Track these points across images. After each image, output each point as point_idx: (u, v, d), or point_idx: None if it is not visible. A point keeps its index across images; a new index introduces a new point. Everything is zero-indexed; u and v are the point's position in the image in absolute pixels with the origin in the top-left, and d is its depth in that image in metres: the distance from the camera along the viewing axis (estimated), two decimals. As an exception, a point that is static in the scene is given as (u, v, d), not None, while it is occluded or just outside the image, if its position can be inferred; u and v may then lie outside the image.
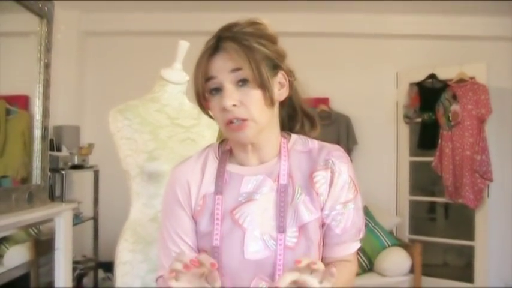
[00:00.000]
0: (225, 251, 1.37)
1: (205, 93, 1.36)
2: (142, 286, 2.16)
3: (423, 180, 5.47)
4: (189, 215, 1.45)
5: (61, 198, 4.22)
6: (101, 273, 4.89)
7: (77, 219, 4.38)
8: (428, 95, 4.95)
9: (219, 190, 1.41)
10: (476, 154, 4.61)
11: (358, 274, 1.45)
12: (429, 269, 4.81)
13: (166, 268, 1.45)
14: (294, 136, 1.49)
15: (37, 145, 3.44)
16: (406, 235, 5.16)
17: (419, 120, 5.06)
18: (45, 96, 3.47)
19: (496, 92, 4.73)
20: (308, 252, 1.37)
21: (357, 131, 5.26)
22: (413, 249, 4.34)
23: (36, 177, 3.43)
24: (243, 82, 1.32)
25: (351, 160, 5.14)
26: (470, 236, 4.86)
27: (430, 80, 5.03)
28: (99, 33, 5.39)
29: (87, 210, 4.81)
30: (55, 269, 3.45)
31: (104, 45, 5.45)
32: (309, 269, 1.17)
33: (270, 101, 1.35)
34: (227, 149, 1.48)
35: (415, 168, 5.31)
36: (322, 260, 1.44)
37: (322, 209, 1.40)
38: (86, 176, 4.90)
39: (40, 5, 3.36)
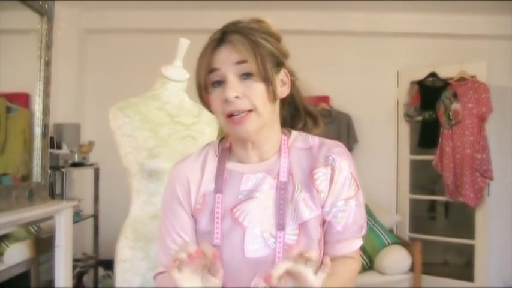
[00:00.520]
0: (225, 250, 1.37)
1: (207, 85, 1.35)
2: (142, 283, 2.16)
3: (423, 178, 5.47)
4: (189, 213, 1.44)
5: (61, 196, 4.21)
6: (101, 271, 4.89)
7: (77, 217, 4.38)
8: (429, 94, 4.95)
9: (219, 189, 1.40)
10: (476, 153, 4.61)
11: (358, 272, 1.44)
12: (429, 267, 4.81)
13: (164, 265, 1.45)
14: (294, 133, 1.48)
15: (37, 143, 3.44)
16: (406, 233, 5.16)
17: (419, 118, 5.05)
18: (46, 94, 3.47)
19: (496, 90, 4.73)
20: (308, 249, 1.35)
21: (358, 130, 5.26)
22: (413, 248, 4.34)
23: (37, 174, 3.43)
24: (246, 75, 1.31)
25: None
26: (470, 234, 4.86)
27: (431, 79, 5.02)
28: (100, 31, 5.39)
29: (88, 208, 4.81)
30: (55, 267, 3.45)
31: (105, 43, 5.45)
32: (303, 259, 1.17)
33: (272, 95, 1.34)
34: (227, 146, 1.47)
35: (415, 166, 5.31)
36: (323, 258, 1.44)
37: (322, 206, 1.40)
38: (86, 173, 4.89)
39: (40, 3, 3.35)
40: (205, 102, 1.41)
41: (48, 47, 3.47)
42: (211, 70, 1.33)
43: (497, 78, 4.84)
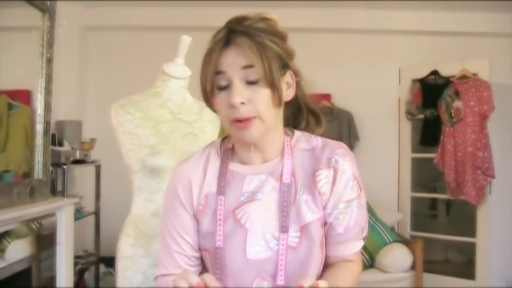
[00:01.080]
0: (227, 251, 1.37)
1: (213, 87, 1.33)
2: (143, 281, 2.16)
3: (425, 176, 5.47)
4: (191, 214, 1.44)
5: (63, 193, 4.22)
6: (102, 268, 4.89)
7: (79, 214, 4.38)
8: (431, 92, 4.94)
9: (221, 191, 1.40)
10: (478, 151, 4.60)
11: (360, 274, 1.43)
12: (430, 265, 4.81)
13: (166, 267, 1.45)
14: (297, 133, 1.47)
15: (39, 140, 3.45)
16: (407, 231, 5.17)
17: (421, 116, 5.05)
18: (47, 91, 3.48)
19: (498, 88, 4.72)
20: (310, 252, 1.36)
21: (359, 127, 5.26)
22: (414, 246, 4.34)
23: (38, 171, 3.44)
24: (253, 80, 1.29)
25: (353, 156, 5.04)
26: (471, 232, 4.86)
27: (433, 77, 5.02)
28: (101, 28, 5.39)
29: (89, 205, 4.81)
30: (56, 264, 3.46)
31: (106, 40, 5.45)
32: None
33: (278, 101, 1.32)
34: (229, 147, 1.46)
35: (416, 164, 5.31)
36: (325, 259, 1.44)
37: (324, 208, 1.39)
38: (88, 170, 4.90)
39: (42, 0, 3.36)
40: (210, 103, 1.39)
41: (50, 44, 3.47)
42: (217, 73, 1.30)
43: (499, 76, 4.83)
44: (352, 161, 1.42)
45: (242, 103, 1.28)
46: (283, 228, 1.35)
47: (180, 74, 2.33)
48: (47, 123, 3.48)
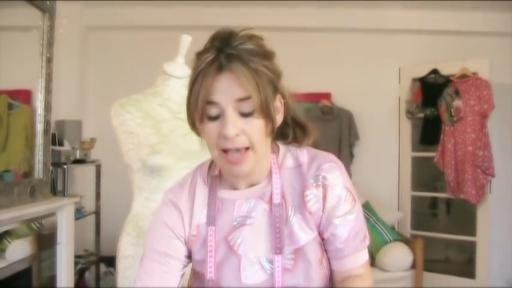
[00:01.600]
0: (222, 279, 1.34)
1: (202, 117, 1.25)
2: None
3: (425, 175, 5.47)
4: (181, 240, 1.41)
5: (63, 193, 4.22)
6: (103, 268, 4.89)
7: (79, 213, 4.38)
8: (431, 91, 4.94)
9: (211, 221, 1.36)
10: (478, 150, 4.60)
11: None
12: (431, 264, 4.81)
13: (144, 282, 1.40)
14: (282, 149, 1.41)
15: (39, 139, 3.46)
16: (407, 230, 5.17)
17: (421, 115, 5.05)
18: (48, 91, 3.48)
19: (498, 87, 4.72)
20: (308, 274, 1.33)
21: (359, 126, 5.26)
22: (415, 245, 4.34)
23: (39, 171, 3.45)
24: (247, 112, 1.22)
25: (353, 156, 5.09)
26: (471, 231, 4.86)
27: (433, 76, 5.02)
28: (101, 28, 5.39)
29: (89, 205, 4.81)
30: (57, 263, 3.46)
31: (106, 39, 5.45)
32: None
33: (271, 130, 1.27)
34: (216, 174, 1.41)
35: (417, 163, 5.31)
36: (333, 274, 1.40)
37: (318, 226, 1.35)
38: (88, 170, 4.90)
39: (42, 0, 3.36)
40: (197, 130, 1.33)
41: (50, 43, 3.48)
42: (209, 102, 1.22)
43: (499, 76, 4.83)
44: (342, 174, 1.35)
45: (236, 135, 1.22)
46: (277, 250, 1.31)
47: (180, 73, 2.33)
48: (47, 122, 3.48)
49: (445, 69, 4.94)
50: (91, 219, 4.84)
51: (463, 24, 5.07)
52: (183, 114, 2.39)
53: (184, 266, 1.43)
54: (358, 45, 5.37)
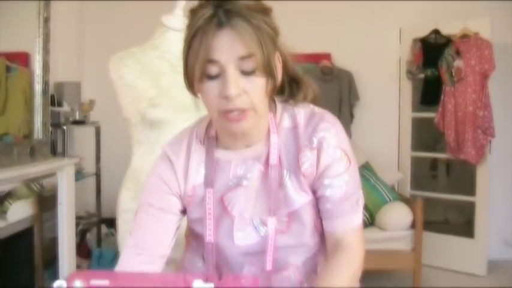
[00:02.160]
0: (216, 240, 1.34)
1: (202, 76, 1.19)
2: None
3: (425, 136, 5.46)
4: (176, 196, 1.39)
5: (63, 154, 4.23)
6: (104, 229, 4.93)
7: (79, 175, 4.39)
8: (432, 51, 4.90)
9: (209, 183, 1.34)
10: (478, 110, 4.59)
11: (361, 263, 1.28)
12: (430, 225, 4.84)
13: (137, 235, 1.38)
14: (279, 108, 1.37)
15: (38, 100, 3.46)
16: (407, 191, 5.18)
17: (422, 76, 5.02)
18: (45, 51, 3.47)
19: (499, 47, 4.68)
20: (301, 236, 1.33)
21: (359, 87, 5.24)
22: (414, 205, 4.35)
23: (38, 132, 3.45)
24: (249, 70, 1.17)
25: (353, 116, 5.06)
26: (471, 192, 4.87)
27: (433, 36, 4.97)
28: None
29: (89, 167, 4.82)
30: (58, 223, 3.49)
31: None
32: None
33: (272, 89, 1.24)
34: (213, 134, 1.38)
35: (417, 124, 5.30)
36: (324, 235, 1.37)
37: (312, 186, 1.33)
38: (88, 132, 4.89)
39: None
40: (193, 90, 1.27)
41: (47, 3, 3.44)
42: (209, 60, 1.16)
43: (500, 36, 4.79)
44: (338, 133, 1.32)
45: (237, 95, 1.17)
46: (272, 212, 1.30)
47: (179, 25, 2.30)
48: (45, 83, 3.48)
49: (446, 29, 4.89)
50: (91, 181, 4.86)
51: (465, -17, 5.02)
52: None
53: (179, 220, 1.42)
54: (358, 6, 5.31)
